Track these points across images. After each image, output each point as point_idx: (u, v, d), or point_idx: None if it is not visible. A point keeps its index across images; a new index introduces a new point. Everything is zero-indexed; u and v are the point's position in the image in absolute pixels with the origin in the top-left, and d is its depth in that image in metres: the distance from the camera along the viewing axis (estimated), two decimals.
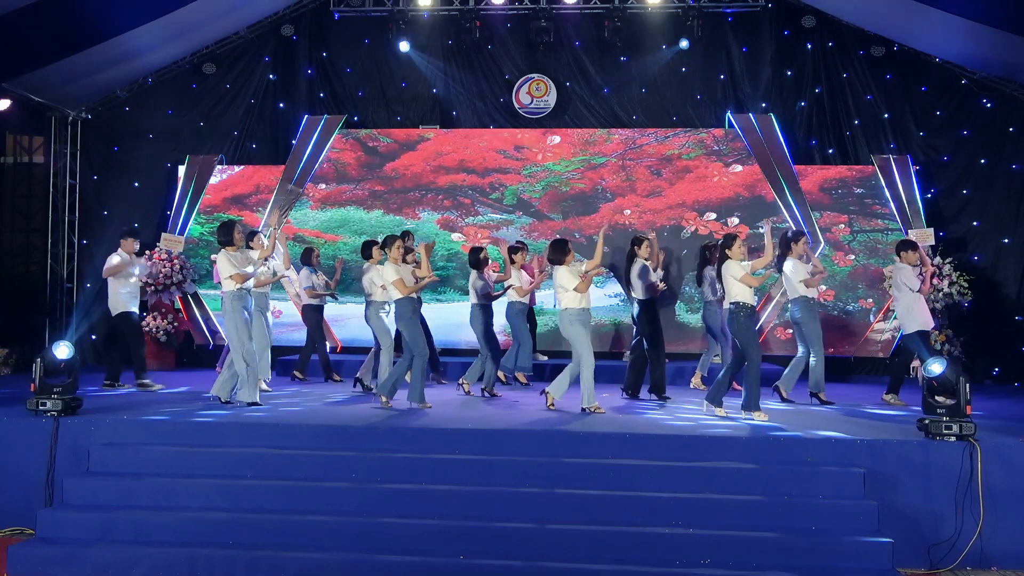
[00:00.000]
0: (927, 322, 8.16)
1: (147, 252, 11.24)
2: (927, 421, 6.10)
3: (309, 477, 6.09)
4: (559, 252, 7.50)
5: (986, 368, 10.72)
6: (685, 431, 6.56)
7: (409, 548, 5.55)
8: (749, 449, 6.20)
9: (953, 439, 5.98)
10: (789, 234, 8.29)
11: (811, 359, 8.08)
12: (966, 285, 10.22)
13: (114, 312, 8.78)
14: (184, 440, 6.48)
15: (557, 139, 11.63)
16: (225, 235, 7.56)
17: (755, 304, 7.31)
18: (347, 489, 5.97)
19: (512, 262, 8.72)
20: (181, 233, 11.60)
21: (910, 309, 8.12)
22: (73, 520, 5.87)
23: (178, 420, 6.75)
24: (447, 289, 11.37)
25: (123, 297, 8.74)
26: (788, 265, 8.07)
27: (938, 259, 10.37)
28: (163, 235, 11.40)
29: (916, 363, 9.93)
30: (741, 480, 5.91)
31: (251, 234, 8.08)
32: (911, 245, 8.32)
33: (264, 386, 8.32)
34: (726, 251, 7.28)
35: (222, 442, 6.48)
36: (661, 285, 8.48)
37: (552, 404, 7.50)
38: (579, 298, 7.35)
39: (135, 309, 8.83)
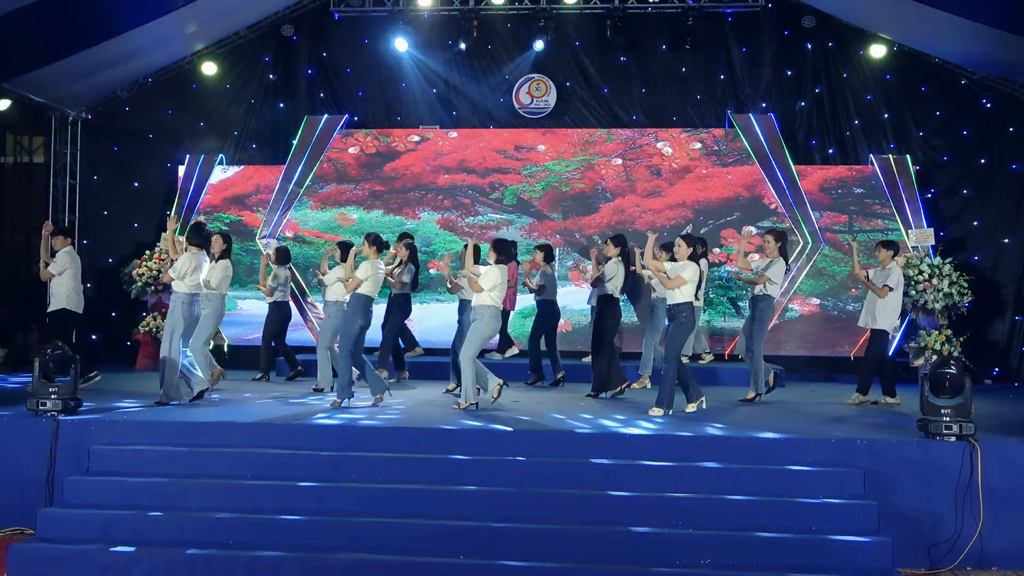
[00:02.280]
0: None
1: (147, 252, 11.27)
2: (927, 421, 6.10)
3: (309, 477, 6.09)
4: (509, 251, 7.78)
5: (986, 368, 10.71)
6: (685, 431, 6.56)
7: (409, 548, 5.55)
8: (749, 449, 6.20)
9: (953, 439, 5.98)
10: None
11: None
12: (966, 285, 10.22)
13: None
14: (184, 440, 6.48)
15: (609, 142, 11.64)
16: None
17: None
18: (347, 489, 5.97)
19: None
20: (181, 233, 11.55)
21: (892, 307, 8.20)
22: (73, 520, 5.88)
23: (178, 420, 6.76)
24: (446, 289, 11.34)
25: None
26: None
27: (938, 259, 10.37)
28: (163, 235, 11.39)
29: (919, 362, 9.98)
30: (741, 480, 5.91)
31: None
32: (893, 245, 8.41)
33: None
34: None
35: (222, 442, 6.48)
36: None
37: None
38: (490, 296, 7.51)
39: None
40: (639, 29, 11.66)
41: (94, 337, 11.78)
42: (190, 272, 7.60)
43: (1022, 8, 9.00)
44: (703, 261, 8.75)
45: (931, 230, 10.60)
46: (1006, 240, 11.00)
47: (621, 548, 5.50)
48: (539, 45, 11.59)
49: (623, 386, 8.39)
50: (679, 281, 7.19)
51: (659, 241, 11.05)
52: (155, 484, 6.06)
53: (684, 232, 9.74)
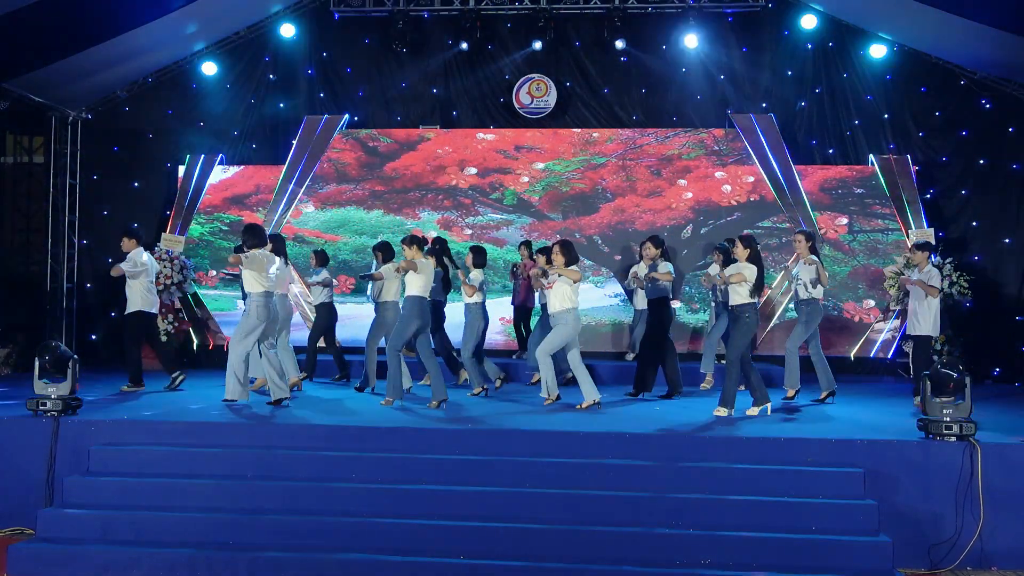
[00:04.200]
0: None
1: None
2: (927, 421, 6.11)
3: (309, 477, 6.10)
4: (570, 252, 7.69)
5: (986, 368, 10.71)
6: (685, 431, 6.57)
7: (409, 548, 5.55)
8: (749, 449, 6.20)
9: (953, 439, 5.98)
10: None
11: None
12: (966, 285, 10.22)
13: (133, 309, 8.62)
14: (184, 440, 6.48)
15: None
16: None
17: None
18: (347, 489, 5.97)
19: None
20: (181, 233, 11.59)
21: (934, 311, 8.26)
22: (73, 520, 5.87)
23: (178, 420, 6.76)
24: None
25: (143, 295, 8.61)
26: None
27: (938, 259, 10.37)
28: (163, 235, 11.40)
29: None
30: (741, 480, 5.91)
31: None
32: (929, 246, 8.46)
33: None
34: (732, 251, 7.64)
35: (222, 442, 6.48)
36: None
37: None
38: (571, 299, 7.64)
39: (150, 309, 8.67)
40: (639, 29, 11.66)
41: (94, 337, 11.80)
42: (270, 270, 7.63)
43: (1022, 8, 9.00)
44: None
45: (931, 230, 10.60)
46: (1006, 240, 11.01)
47: (621, 548, 5.50)
48: (539, 45, 11.59)
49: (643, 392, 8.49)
50: (740, 277, 7.25)
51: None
52: (155, 484, 6.06)
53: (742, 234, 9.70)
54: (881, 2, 10.74)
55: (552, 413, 7.36)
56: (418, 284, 7.65)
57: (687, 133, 11.53)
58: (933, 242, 10.49)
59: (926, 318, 8.26)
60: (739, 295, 7.29)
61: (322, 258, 9.81)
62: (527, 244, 10.33)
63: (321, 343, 9.64)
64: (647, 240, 8.59)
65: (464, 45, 11.75)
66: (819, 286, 8.08)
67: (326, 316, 9.65)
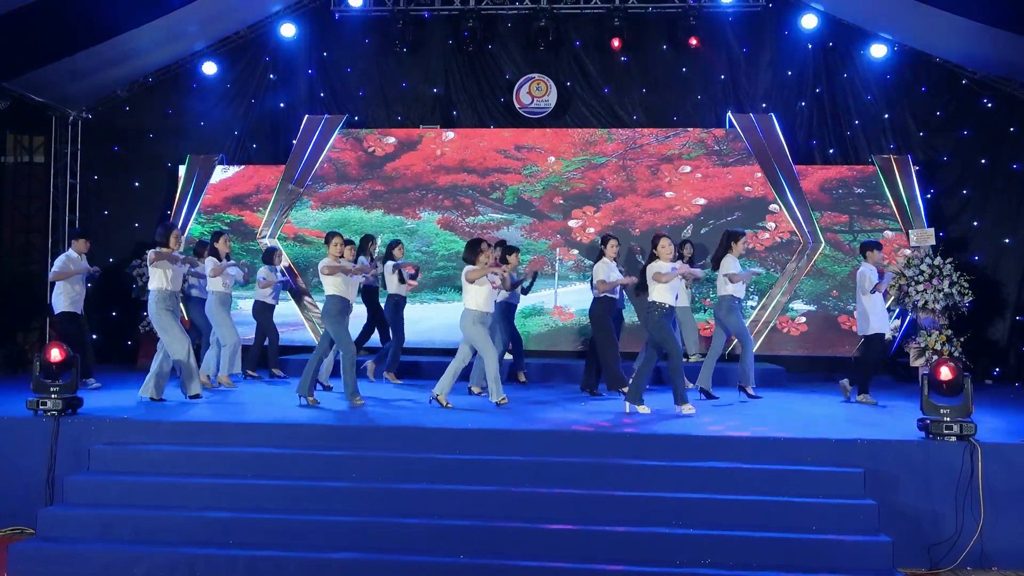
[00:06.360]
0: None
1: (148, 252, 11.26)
2: (927, 421, 6.11)
3: (309, 477, 6.09)
4: (471, 252, 7.60)
5: (986, 368, 10.71)
6: (685, 431, 6.56)
7: (409, 548, 5.55)
8: (749, 449, 6.19)
9: (953, 439, 5.98)
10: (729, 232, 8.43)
11: (740, 352, 8.30)
12: (966, 285, 10.21)
13: (56, 311, 8.76)
14: (184, 440, 6.48)
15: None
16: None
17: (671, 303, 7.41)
18: (347, 489, 5.97)
19: (507, 263, 8.78)
20: (181, 233, 11.56)
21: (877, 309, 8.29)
22: (73, 520, 5.87)
23: (178, 420, 6.76)
24: (447, 289, 11.36)
25: (72, 297, 8.71)
26: (724, 263, 8.24)
27: (938, 259, 10.37)
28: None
29: (919, 362, 9.97)
30: (741, 480, 5.91)
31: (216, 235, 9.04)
32: (876, 245, 8.45)
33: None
34: (653, 250, 7.46)
35: (222, 442, 6.48)
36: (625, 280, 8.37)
37: (447, 404, 7.56)
38: (482, 301, 7.50)
39: (79, 311, 8.74)
40: (639, 29, 11.66)
41: (94, 336, 11.76)
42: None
43: (1022, 8, 9.00)
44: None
45: (931, 230, 10.61)
46: (1006, 240, 11.01)
47: (621, 548, 5.50)
48: (539, 45, 11.59)
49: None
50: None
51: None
52: (155, 484, 6.06)
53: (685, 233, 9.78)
54: (881, 2, 10.75)
55: (551, 414, 7.36)
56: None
57: (687, 133, 11.52)
58: (934, 242, 10.51)
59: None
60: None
61: (267, 256, 9.91)
62: (500, 244, 10.27)
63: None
64: (613, 238, 8.45)
65: (464, 45, 11.75)
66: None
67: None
